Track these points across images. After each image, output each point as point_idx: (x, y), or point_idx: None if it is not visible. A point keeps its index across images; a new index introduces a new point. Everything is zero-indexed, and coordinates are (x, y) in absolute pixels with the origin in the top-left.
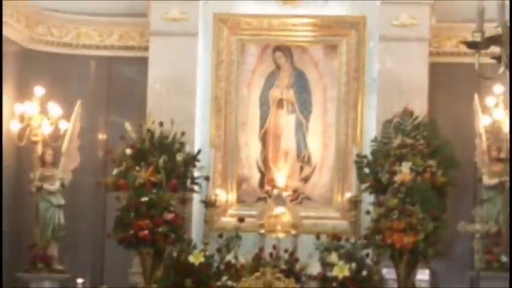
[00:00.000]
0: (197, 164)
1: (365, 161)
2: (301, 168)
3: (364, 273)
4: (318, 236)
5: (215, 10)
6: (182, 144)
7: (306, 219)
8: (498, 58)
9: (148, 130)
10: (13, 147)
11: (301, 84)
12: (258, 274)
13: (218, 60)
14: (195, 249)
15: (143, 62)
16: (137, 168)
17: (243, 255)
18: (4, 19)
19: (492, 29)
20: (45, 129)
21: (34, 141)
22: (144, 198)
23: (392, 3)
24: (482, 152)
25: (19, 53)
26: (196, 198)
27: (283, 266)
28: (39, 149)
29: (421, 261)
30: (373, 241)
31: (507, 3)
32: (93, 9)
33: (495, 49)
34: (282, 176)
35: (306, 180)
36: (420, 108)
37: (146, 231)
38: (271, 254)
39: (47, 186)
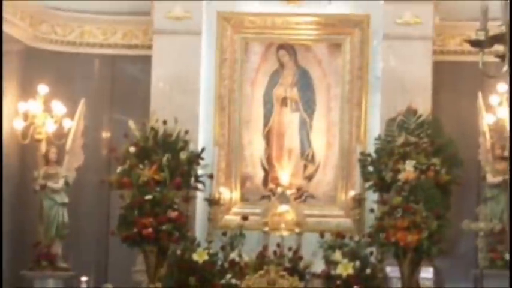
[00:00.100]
0: (201, 162)
1: (369, 159)
2: (305, 167)
3: (368, 271)
4: (321, 234)
5: (219, 9)
6: (186, 143)
7: (310, 217)
8: (502, 57)
9: (152, 128)
10: (17, 146)
11: (304, 83)
12: (261, 272)
13: (222, 58)
14: (199, 247)
15: (147, 61)
16: (141, 166)
17: (247, 253)
18: (8, 17)
19: (496, 27)
20: (49, 127)
21: (38, 139)
22: (148, 196)
23: (396, 1)
24: (486, 150)
25: (23, 52)
26: (200, 196)
27: (287, 264)
28: (43, 147)
29: (425, 260)
30: (377, 239)
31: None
32: (96, 7)
33: (499, 48)
34: (286, 174)
35: (309, 178)
36: (424, 106)
37: (150, 229)
38: (275, 252)
39: (50, 184)
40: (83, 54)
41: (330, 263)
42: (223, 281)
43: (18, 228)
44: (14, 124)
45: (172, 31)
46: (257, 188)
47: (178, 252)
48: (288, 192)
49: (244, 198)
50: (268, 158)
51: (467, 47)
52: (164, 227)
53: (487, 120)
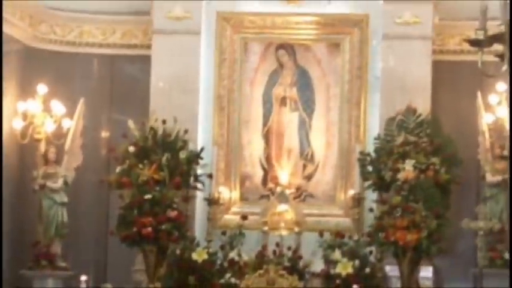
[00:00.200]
0: (200, 161)
1: (368, 158)
2: (304, 166)
3: (368, 270)
4: (321, 234)
5: (218, 9)
6: (185, 142)
7: (309, 216)
8: (501, 56)
9: (151, 128)
10: (16, 145)
11: (304, 82)
12: (261, 271)
13: (221, 58)
14: (198, 246)
15: (146, 60)
16: (140, 166)
17: (246, 253)
18: (7, 17)
19: (495, 27)
20: (48, 127)
21: (37, 139)
22: (147, 196)
23: (396, 1)
24: (485, 149)
25: (22, 52)
26: (199, 196)
27: (286, 264)
28: (42, 147)
29: (425, 259)
30: (377, 238)
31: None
32: (96, 7)
33: (498, 47)
34: (285, 173)
35: (309, 177)
36: (423, 106)
37: (149, 229)
38: (274, 252)
39: (50, 184)
40: (82, 54)
41: (330, 262)
42: (222, 281)
43: (18, 227)
44: (13, 124)
45: (172, 31)
46: (256, 187)
47: (178, 251)
48: (287, 191)
49: (243, 198)
50: (268, 158)
51: (466, 46)
52: (163, 227)
53: (486, 119)
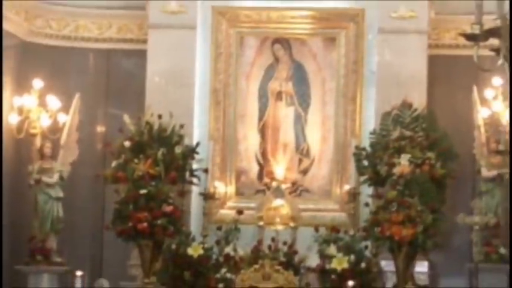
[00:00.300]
0: (196, 156)
1: (364, 153)
2: (300, 161)
3: (363, 265)
4: (316, 229)
5: (214, 3)
6: (181, 137)
7: (305, 211)
8: (497, 50)
9: (147, 123)
10: (12, 140)
11: (299, 77)
12: (256, 266)
13: (217, 52)
14: (193, 241)
15: (142, 55)
16: (136, 160)
17: (241, 248)
18: (3, 12)
19: (491, 21)
20: (43, 121)
21: (33, 133)
22: (143, 191)
23: None
24: (481, 144)
25: (18, 46)
26: (195, 190)
27: (282, 258)
28: (37, 141)
29: (420, 254)
30: (372, 233)
31: None
32: (91, 2)
33: (494, 41)
34: (281, 168)
35: (304, 172)
36: (419, 100)
37: (145, 224)
38: (270, 247)
39: (45, 178)
40: (78, 49)
41: (325, 257)
42: (218, 275)
43: (13, 222)
44: (9, 119)
45: (168, 25)
46: (252, 182)
47: (173, 246)
48: (283, 186)
49: (239, 193)
50: (263, 152)
51: (462, 40)
52: (159, 222)
53: (482, 114)
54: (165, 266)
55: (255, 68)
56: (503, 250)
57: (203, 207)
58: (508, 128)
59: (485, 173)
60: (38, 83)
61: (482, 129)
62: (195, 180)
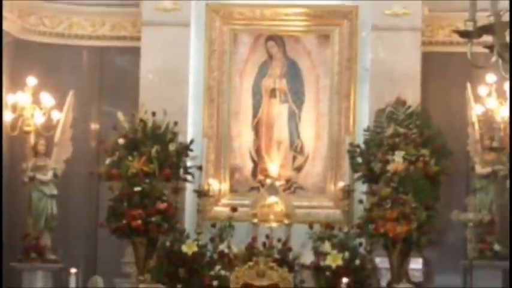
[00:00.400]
0: (190, 153)
1: (358, 150)
2: (294, 158)
3: (357, 262)
4: (311, 226)
5: (207, 0)
6: (175, 134)
7: (299, 208)
8: (490, 47)
9: (141, 120)
10: (6, 138)
11: (293, 74)
12: (251, 263)
13: (210, 50)
14: (188, 238)
15: (135, 52)
16: (130, 158)
17: (236, 245)
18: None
19: (484, 18)
20: (37, 119)
21: (27, 131)
22: (137, 188)
23: None
24: (474, 141)
25: (11, 44)
26: (189, 188)
27: (276, 256)
28: (31, 139)
29: (414, 250)
30: (366, 230)
31: None
32: None
33: (487, 38)
34: (275, 165)
35: (298, 169)
36: (413, 97)
37: (139, 221)
38: (264, 244)
39: (39, 176)
40: (71, 46)
41: (319, 254)
42: (212, 273)
43: (7, 220)
44: (3, 116)
45: (161, 23)
46: (246, 179)
47: (168, 243)
48: (277, 183)
49: (233, 190)
50: (257, 150)
51: (455, 37)
52: (153, 219)
53: (475, 110)
54: (160, 264)
55: (249, 65)
56: (497, 247)
57: (197, 205)
58: (502, 125)
59: (479, 169)
60: (31, 81)
61: (476, 126)
62: (189, 177)
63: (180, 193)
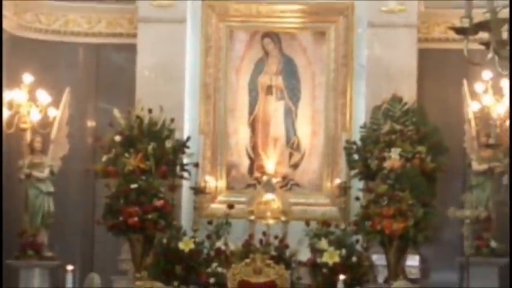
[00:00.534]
0: (186, 150)
1: (354, 147)
2: (291, 155)
3: (354, 259)
4: (307, 223)
5: None
6: (171, 131)
7: (296, 205)
8: (487, 44)
9: (137, 117)
10: (2, 135)
11: (289, 71)
12: (247, 260)
13: (207, 46)
14: (184, 236)
15: (132, 49)
16: (126, 155)
17: (232, 242)
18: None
19: (480, 14)
20: (34, 116)
21: (23, 128)
22: (134, 185)
23: None
24: (471, 137)
25: (7, 41)
26: (185, 185)
27: (273, 253)
28: (28, 136)
29: (411, 247)
30: (363, 227)
31: None
32: None
33: (484, 35)
34: (271, 162)
35: (295, 166)
36: (409, 94)
37: (136, 218)
38: (261, 241)
39: (36, 173)
40: (67, 43)
41: (316, 251)
42: (209, 270)
43: (4, 217)
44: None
45: (157, 19)
46: (243, 176)
47: (164, 241)
48: (274, 180)
49: (229, 187)
50: (254, 147)
51: (452, 34)
52: (150, 216)
53: (472, 107)
54: (156, 261)
55: (245, 62)
56: (494, 244)
57: (194, 202)
58: (498, 122)
59: (476, 166)
60: (27, 78)
61: (473, 123)
62: (185, 174)
63: (176, 190)
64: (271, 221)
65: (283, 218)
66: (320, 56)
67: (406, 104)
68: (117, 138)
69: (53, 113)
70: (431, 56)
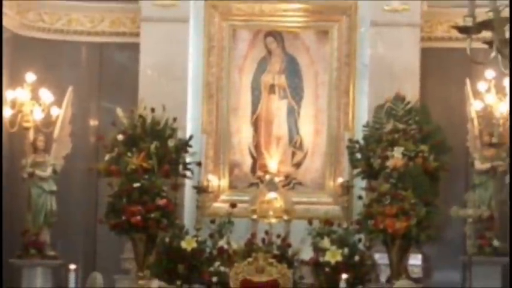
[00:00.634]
0: (189, 149)
1: (357, 146)
2: (293, 154)
3: (357, 258)
4: (310, 222)
5: None
6: (174, 130)
7: (298, 204)
8: (490, 43)
9: (140, 116)
10: (5, 134)
11: (292, 70)
12: (250, 259)
13: (209, 46)
14: (187, 234)
15: (134, 48)
16: (129, 154)
17: (235, 241)
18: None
19: (483, 13)
20: (36, 115)
21: (26, 127)
22: (136, 184)
23: None
24: (474, 137)
25: (10, 40)
26: (188, 184)
27: (275, 252)
28: (31, 135)
29: (413, 246)
30: (366, 226)
31: None
32: None
33: (487, 34)
34: (274, 161)
35: (298, 165)
36: (412, 93)
37: (138, 217)
38: (263, 240)
39: (38, 172)
40: (70, 42)
41: (319, 250)
42: (211, 269)
43: (6, 216)
44: (2, 112)
45: (160, 18)
46: (245, 175)
47: (167, 240)
48: (276, 179)
49: (232, 186)
50: (257, 146)
51: (455, 33)
52: (152, 215)
53: (475, 106)
54: (159, 260)
55: (248, 61)
56: (496, 243)
57: (196, 201)
58: (501, 121)
59: (479, 165)
60: (30, 77)
61: (476, 122)
62: (188, 173)
63: (179, 189)
64: (273, 220)
65: (285, 217)
66: (323, 55)
67: (409, 103)
68: (120, 137)
69: (56, 112)
70: (434, 55)
